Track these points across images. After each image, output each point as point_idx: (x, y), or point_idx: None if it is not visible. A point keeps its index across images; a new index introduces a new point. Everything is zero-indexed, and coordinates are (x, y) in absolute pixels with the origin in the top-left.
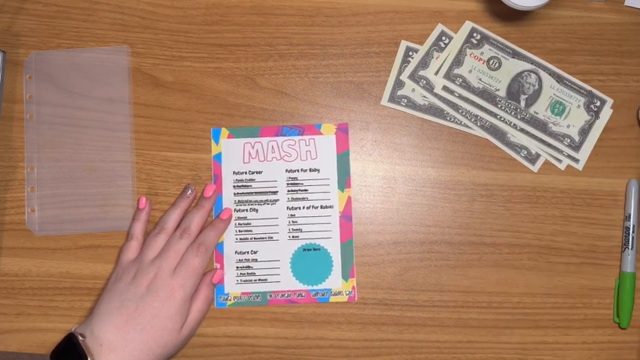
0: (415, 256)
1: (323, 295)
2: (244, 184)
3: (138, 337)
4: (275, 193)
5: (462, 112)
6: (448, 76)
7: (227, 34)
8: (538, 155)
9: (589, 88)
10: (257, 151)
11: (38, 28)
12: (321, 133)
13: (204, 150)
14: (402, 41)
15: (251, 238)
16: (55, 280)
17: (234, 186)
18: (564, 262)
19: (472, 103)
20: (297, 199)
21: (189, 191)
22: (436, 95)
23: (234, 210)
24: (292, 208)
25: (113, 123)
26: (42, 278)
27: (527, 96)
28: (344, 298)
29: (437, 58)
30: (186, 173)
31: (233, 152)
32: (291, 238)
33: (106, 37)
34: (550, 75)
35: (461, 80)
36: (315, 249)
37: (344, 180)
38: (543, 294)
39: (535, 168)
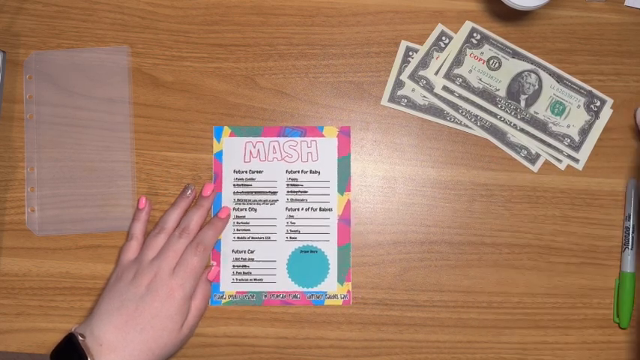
0: (415, 256)
1: (318, 297)
2: (244, 183)
3: (138, 337)
4: (275, 193)
5: (462, 112)
6: (448, 76)
7: (227, 34)
8: (538, 155)
9: (589, 88)
10: (258, 150)
11: (38, 28)
12: (323, 136)
13: (205, 150)
14: (402, 41)
15: (248, 238)
16: (55, 280)
17: (234, 185)
18: (564, 262)
19: (472, 103)
20: (296, 200)
21: (189, 191)
22: (436, 95)
23: (233, 209)
24: (291, 209)
25: (113, 123)
26: (42, 278)
27: (527, 96)
28: (339, 302)
29: (437, 58)
30: (186, 173)
31: (234, 151)
32: (288, 239)
33: (106, 37)
34: (550, 75)
35: (461, 80)
36: (312, 251)
37: (344, 183)
38: (543, 294)
39: (535, 168)
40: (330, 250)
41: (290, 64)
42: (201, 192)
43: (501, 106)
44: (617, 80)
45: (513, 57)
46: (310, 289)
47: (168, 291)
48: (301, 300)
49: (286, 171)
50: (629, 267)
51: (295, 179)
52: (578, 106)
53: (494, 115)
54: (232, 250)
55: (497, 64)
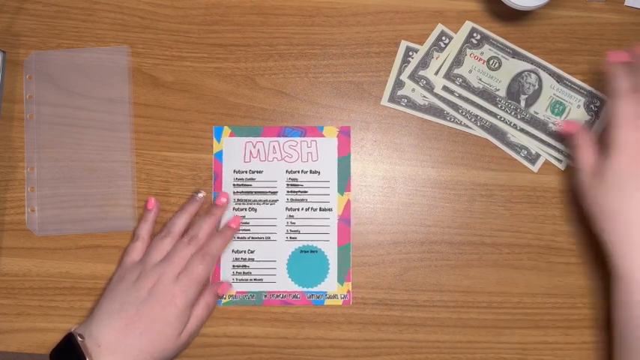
0: (415, 256)
1: (318, 297)
2: (244, 183)
3: (137, 340)
4: (275, 193)
5: (462, 112)
6: (448, 76)
7: (227, 34)
8: (538, 155)
9: (589, 88)
10: (258, 150)
11: (38, 28)
12: (323, 136)
13: (205, 150)
14: (402, 41)
15: (249, 238)
16: (55, 280)
17: (234, 185)
18: (564, 262)
19: (472, 103)
20: (296, 200)
21: (200, 195)
22: (436, 95)
23: (233, 209)
24: (291, 209)
25: (113, 123)
26: (42, 278)
27: (527, 96)
28: (339, 302)
29: (437, 58)
30: (186, 173)
31: (234, 151)
32: (288, 239)
33: (106, 37)
34: (550, 75)
35: (461, 80)
36: (312, 251)
37: (344, 183)
38: (543, 294)
39: (535, 168)
40: (330, 250)
41: (290, 64)
42: (215, 200)
43: (501, 106)
44: None
45: (513, 57)
46: (310, 289)
47: (170, 297)
48: (301, 300)
49: (286, 171)
50: None
51: (295, 179)
52: (578, 106)
53: (495, 115)
54: (232, 250)
55: (497, 64)
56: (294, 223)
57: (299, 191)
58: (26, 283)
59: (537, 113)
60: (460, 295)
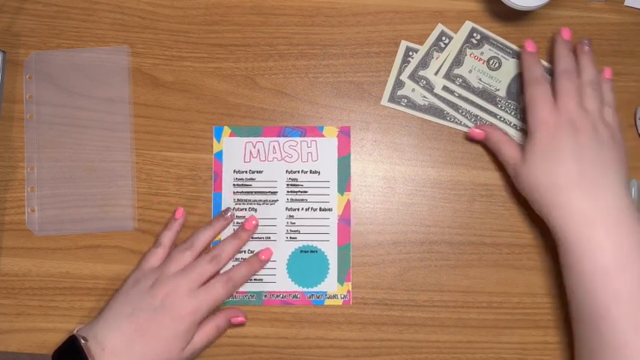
0: (415, 256)
1: (318, 297)
2: (244, 183)
3: (142, 348)
4: (275, 193)
5: (462, 112)
6: (448, 76)
7: (227, 34)
8: None
9: None
10: (258, 150)
11: (38, 28)
12: (323, 136)
13: (205, 150)
14: (402, 41)
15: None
16: (55, 280)
17: (234, 185)
18: None
19: (472, 103)
20: (296, 200)
21: (229, 214)
22: (436, 95)
23: (233, 209)
24: (291, 209)
25: (113, 123)
26: (42, 278)
27: None
28: (339, 302)
29: (437, 58)
30: (186, 173)
31: (234, 151)
32: (288, 239)
33: (106, 37)
34: (550, 75)
35: (461, 80)
36: (312, 251)
37: (344, 183)
38: (543, 294)
39: None
40: (330, 250)
41: (290, 64)
42: (244, 224)
43: (501, 106)
44: (616, 80)
45: (513, 57)
46: (310, 289)
47: (182, 310)
48: (301, 300)
49: (286, 171)
50: None
51: (295, 179)
52: None
53: (494, 115)
54: None
55: (497, 64)
56: (294, 223)
57: (299, 191)
58: (26, 283)
59: None
60: (460, 295)
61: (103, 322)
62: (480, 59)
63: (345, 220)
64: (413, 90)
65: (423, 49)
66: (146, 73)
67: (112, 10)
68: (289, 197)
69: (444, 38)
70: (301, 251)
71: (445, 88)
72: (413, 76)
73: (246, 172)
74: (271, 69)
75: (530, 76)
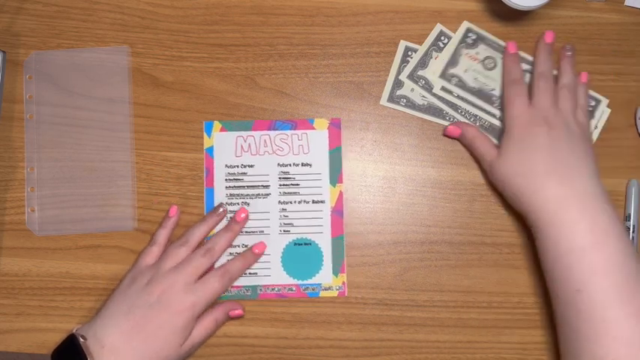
0: (415, 256)
1: (313, 289)
2: (236, 177)
3: (141, 345)
4: (267, 187)
5: (461, 111)
6: (444, 75)
7: (227, 34)
8: None
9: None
10: (249, 144)
11: (38, 28)
12: (313, 128)
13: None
14: (402, 41)
15: (242, 232)
16: (55, 280)
17: (225, 179)
18: None
19: (470, 102)
20: (288, 193)
21: (221, 210)
22: (435, 95)
23: (226, 203)
24: (284, 203)
25: (113, 123)
26: (42, 278)
27: None
28: (334, 293)
29: (436, 58)
30: (186, 173)
31: (225, 146)
32: (282, 232)
33: (106, 37)
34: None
35: (457, 80)
36: (306, 243)
37: (336, 175)
38: (543, 294)
39: None
40: (324, 242)
41: (290, 64)
42: (235, 216)
43: (497, 106)
44: (616, 80)
45: None
46: (305, 282)
47: (179, 306)
48: (296, 292)
49: (278, 164)
50: None
51: (287, 172)
52: None
53: (493, 115)
54: None
55: (492, 64)
56: (287, 216)
57: (291, 184)
58: (26, 283)
59: None
60: (460, 295)
61: (101, 320)
62: (476, 59)
63: (338, 212)
64: (412, 90)
65: (422, 49)
66: (146, 73)
67: (112, 10)
68: (281, 190)
69: (442, 38)
70: (295, 244)
71: (444, 88)
72: (412, 76)
73: (237, 166)
74: (271, 69)
75: (509, 77)
